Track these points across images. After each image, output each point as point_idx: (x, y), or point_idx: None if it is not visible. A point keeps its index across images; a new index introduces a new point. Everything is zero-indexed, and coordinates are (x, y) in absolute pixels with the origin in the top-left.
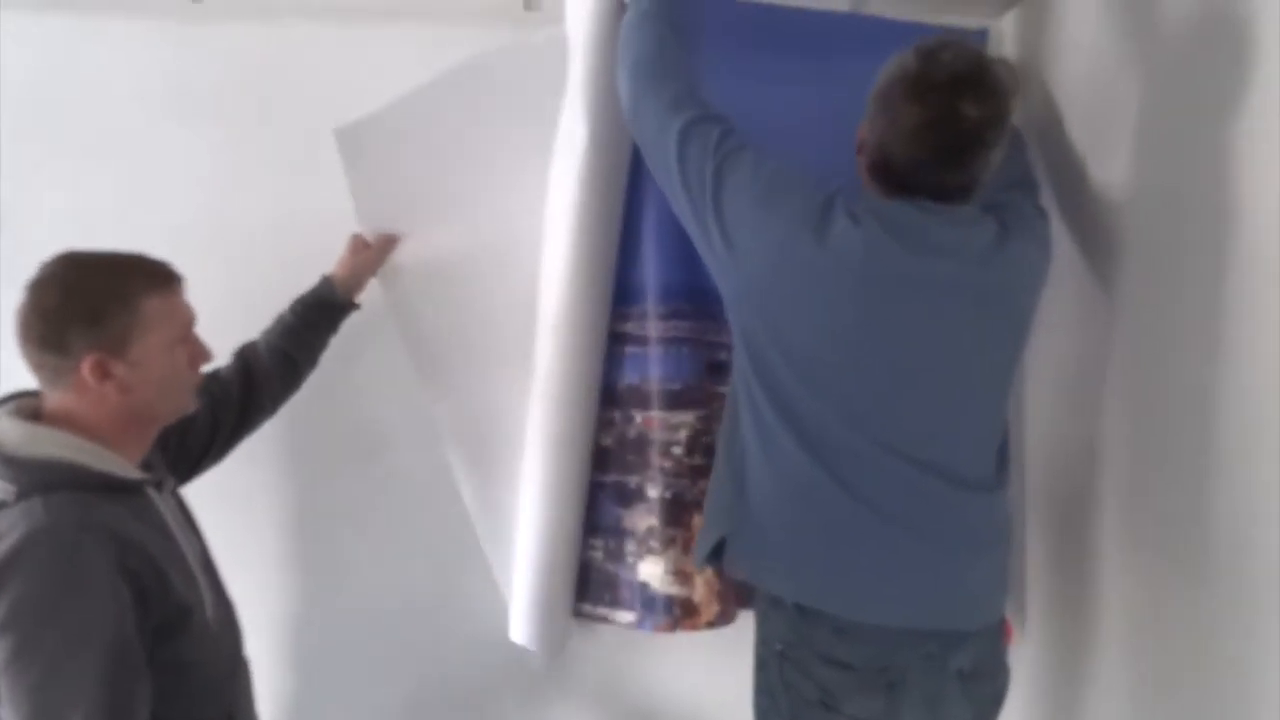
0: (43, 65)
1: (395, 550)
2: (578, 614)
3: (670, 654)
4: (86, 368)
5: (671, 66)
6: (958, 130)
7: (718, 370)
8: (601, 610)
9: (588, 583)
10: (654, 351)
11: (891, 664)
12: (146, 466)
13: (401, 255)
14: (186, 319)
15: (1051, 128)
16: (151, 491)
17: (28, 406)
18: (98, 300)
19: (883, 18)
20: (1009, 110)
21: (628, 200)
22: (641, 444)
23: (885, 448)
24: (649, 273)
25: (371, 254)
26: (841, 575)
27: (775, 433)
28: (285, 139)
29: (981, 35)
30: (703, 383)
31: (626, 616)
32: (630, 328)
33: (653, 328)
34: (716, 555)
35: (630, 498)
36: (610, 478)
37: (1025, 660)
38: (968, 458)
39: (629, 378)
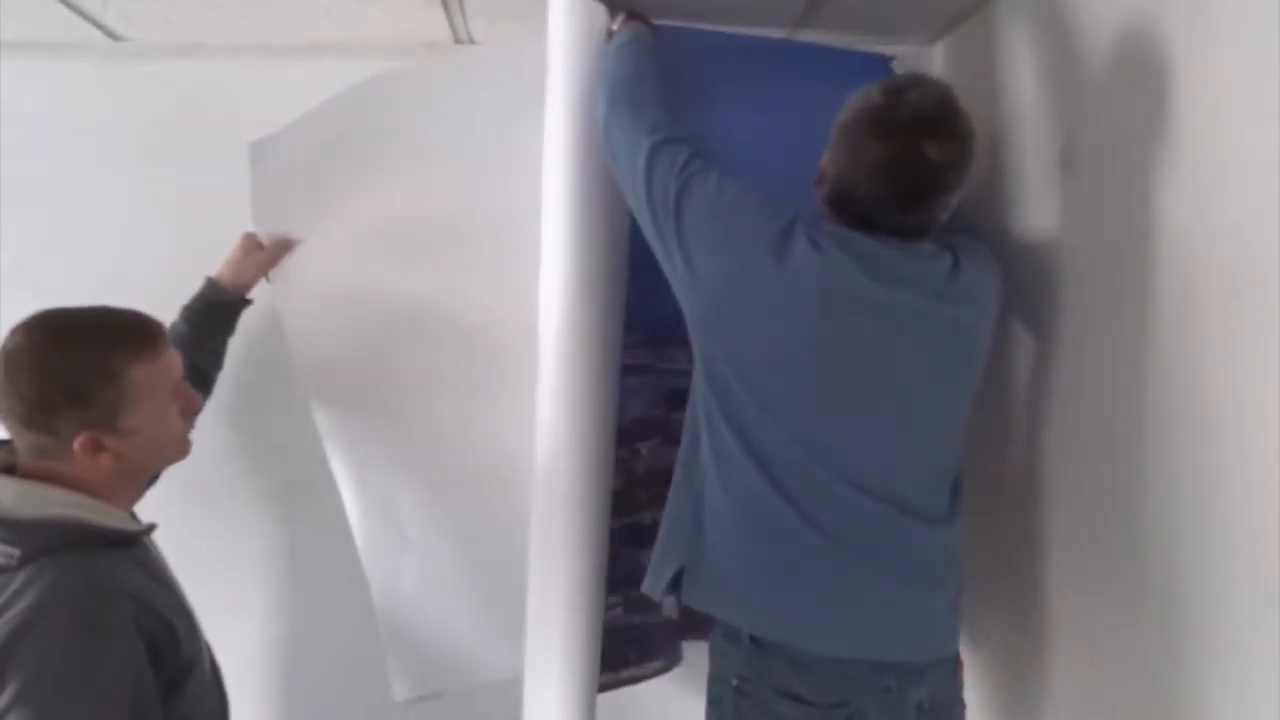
0: None
1: (344, 592)
2: (604, 688)
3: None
4: (78, 445)
5: (646, 91)
6: (920, 171)
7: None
8: (629, 672)
9: (614, 645)
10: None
11: (850, 699)
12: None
13: (294, 259)
14: (174, 376)
15: (980, 158)
16: (147, 540)
17: (2, 460)
18: (82, 380)
19: (828, 46)
20: (971, 153)
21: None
22: (652, 475)
23: (842, 477)
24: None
25: (264, 256)
26: (800, 606)
27: (734, 459)
28: (211, 176)
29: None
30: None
31: (656, 664)
32: (631, 358)
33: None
34: (674, 586)
35: (644, 535)
36: (623, 522)
37: (975, 692)
38: (924, 490)
39: (633, 410)
